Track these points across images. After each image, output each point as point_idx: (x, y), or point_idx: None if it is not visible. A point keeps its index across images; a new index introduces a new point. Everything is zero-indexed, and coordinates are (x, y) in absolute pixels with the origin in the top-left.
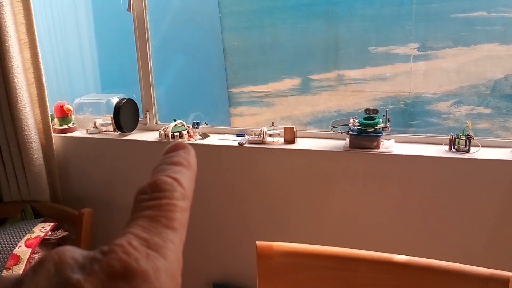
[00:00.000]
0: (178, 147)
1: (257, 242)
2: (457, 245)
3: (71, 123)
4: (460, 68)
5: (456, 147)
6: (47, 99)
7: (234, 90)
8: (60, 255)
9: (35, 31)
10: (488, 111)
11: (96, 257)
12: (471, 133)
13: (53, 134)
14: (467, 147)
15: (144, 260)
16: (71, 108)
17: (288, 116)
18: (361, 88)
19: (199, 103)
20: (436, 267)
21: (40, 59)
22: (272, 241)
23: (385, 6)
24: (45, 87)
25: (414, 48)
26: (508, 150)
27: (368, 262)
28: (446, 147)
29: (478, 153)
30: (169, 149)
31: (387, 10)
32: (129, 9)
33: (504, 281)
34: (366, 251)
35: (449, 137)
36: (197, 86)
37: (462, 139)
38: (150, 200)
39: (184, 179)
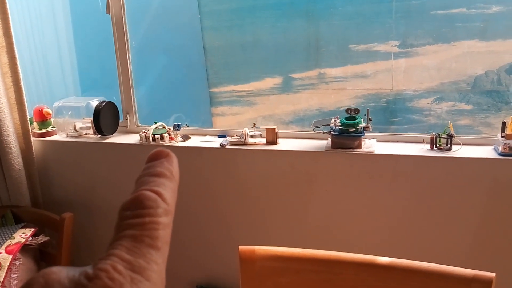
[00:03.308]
0: (160, 155)
1: (240, 247)
2: (440, 245)
3: (51, 126)
4: (440, 64)
5: (437, 145)
6: (25, 103)
7: (215, 89)
8: (47, 279)
9: (12, 34)
10: (469, 107)
11: (81, 282)
12: (452, 132)
13: (33, 138)
14: (449, 145)
15: (128, 285)
16: (50, 111)
17: (270, 115)
18: (343, 86)
19: (180, 104)
20: (419, 269)
21: (18, 63)
22: (255, 243)
23: (365, 4)
24: (23, 91)
25: (395, 46)
26: (490, 147)
27: (352, 264)
28: (428, 146)
29: (459, 151)
30: (151, 156)
31: (367, 7)
32: (107, 10)
33: (487, 282)
34: (349, 253)
35: (431, 136)
36: (178, 87)
37: (444, 138)
38: (134, 218)
39: (167, 192)
